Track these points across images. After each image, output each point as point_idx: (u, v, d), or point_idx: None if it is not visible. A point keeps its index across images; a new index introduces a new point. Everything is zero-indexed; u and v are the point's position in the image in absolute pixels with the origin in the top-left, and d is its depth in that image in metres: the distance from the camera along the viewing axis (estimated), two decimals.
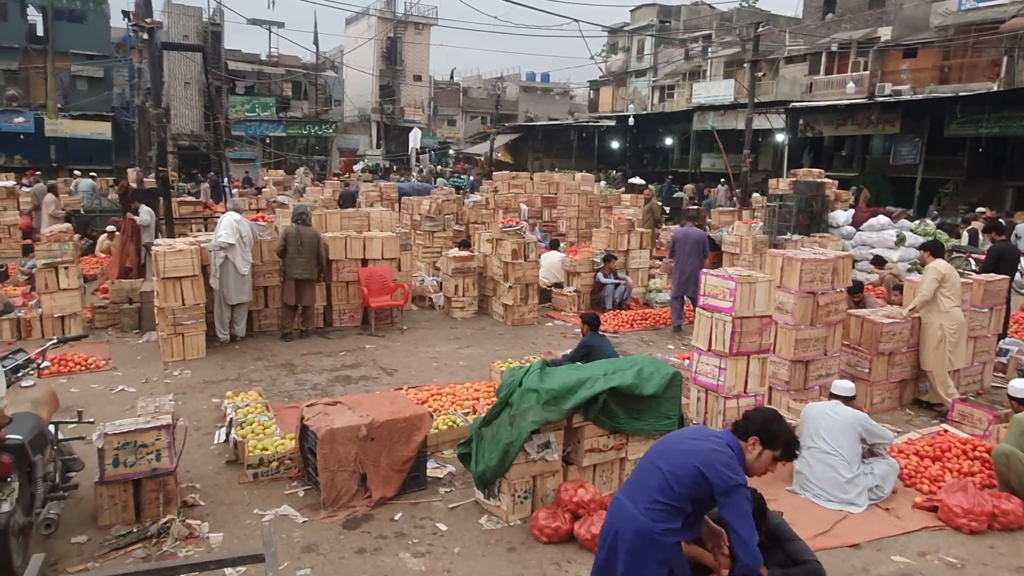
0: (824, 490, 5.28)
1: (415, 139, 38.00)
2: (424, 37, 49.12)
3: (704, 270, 6.50)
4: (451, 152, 48.20)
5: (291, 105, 42.82)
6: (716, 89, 33.60)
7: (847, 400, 5.68)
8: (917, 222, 15.67)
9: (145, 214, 12.02)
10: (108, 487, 4.60)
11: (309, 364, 8.42)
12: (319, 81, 44.21)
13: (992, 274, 8.16)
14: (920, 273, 8.58)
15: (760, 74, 25.24)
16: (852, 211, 14.86)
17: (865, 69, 28.09)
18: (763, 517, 3.76)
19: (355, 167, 39.28)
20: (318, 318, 9.95)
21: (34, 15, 35.74)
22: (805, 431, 5.51)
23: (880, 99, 26.15)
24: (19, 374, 4.71)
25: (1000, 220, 13.06)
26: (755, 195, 20.15)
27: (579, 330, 10.29)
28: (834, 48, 29.21)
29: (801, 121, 29.15)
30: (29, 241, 14.52)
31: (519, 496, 4.89)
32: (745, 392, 5.93)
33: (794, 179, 16.95)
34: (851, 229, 14.28)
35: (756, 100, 22.73)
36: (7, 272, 12.63)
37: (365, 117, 48.04)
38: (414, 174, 34.53)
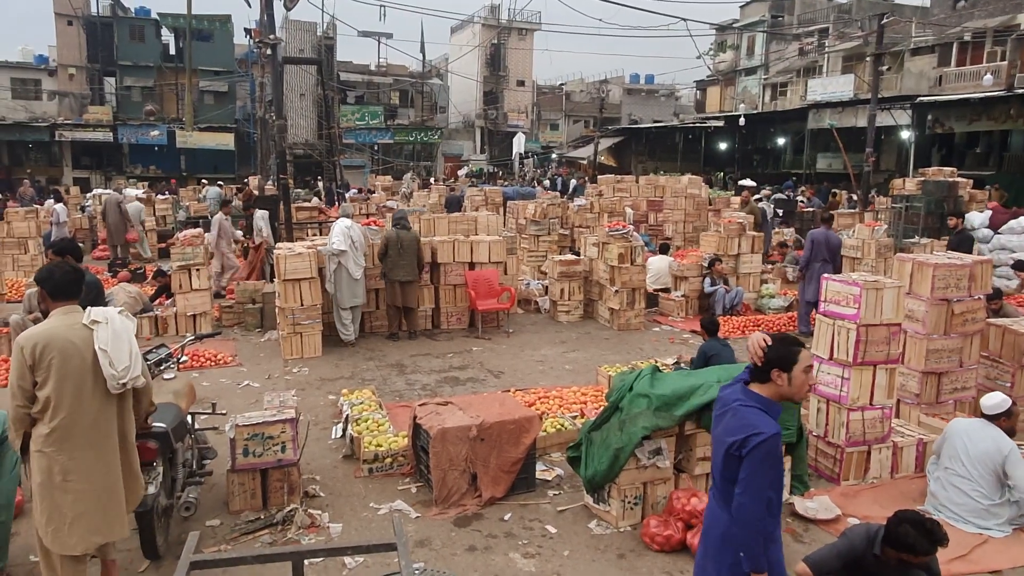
0: (959, 515, 4.90)
1: (519, 144, 38.35)
2: (527, 42, 49.49)
3: (825, 275, 6.18)
4: (554, 156, 48.30)
5: (398, 113, 44.22)
6: (833, 85, 31.98)
7: (996, 419, 4.98)
8: None
9: (259, 219, 12.70)
10: (239, 475, 4.89)
11: (418, 365, 8.64)
12: (425, 89, 45.46)
13: None
14: None
15: (884, 68, 23.79)
16: (989, 212, 13.75)
17: (1002, 59, 25.96)
18: None
19: (460, 172, 40.10)
20: (426, 320, 10.20)
21: (167, 35, 38.74)
22: (946, 449, 5.12)
23: (1021, 91, 24.08)
24: (161, 367, 5.07)
25: None
26: (875, 196, 19.04)
27: (687, 335, 10.12)
28: (966, 38, 27.16)
29: (929, 117, 27.27)
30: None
31: (629, 502, 4.82)
32: (871, 404, 5.59)
33: (922, 179, 15.89)
34: (988, 232, 13.22)
35: (879, 95, 21.46)
36: (145, 273, 13.68)
37: (469, 123, 48.94)
38: (518, 179, 34.88)
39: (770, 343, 2.90)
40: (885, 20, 20.52)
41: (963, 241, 9.82)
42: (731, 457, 2.84)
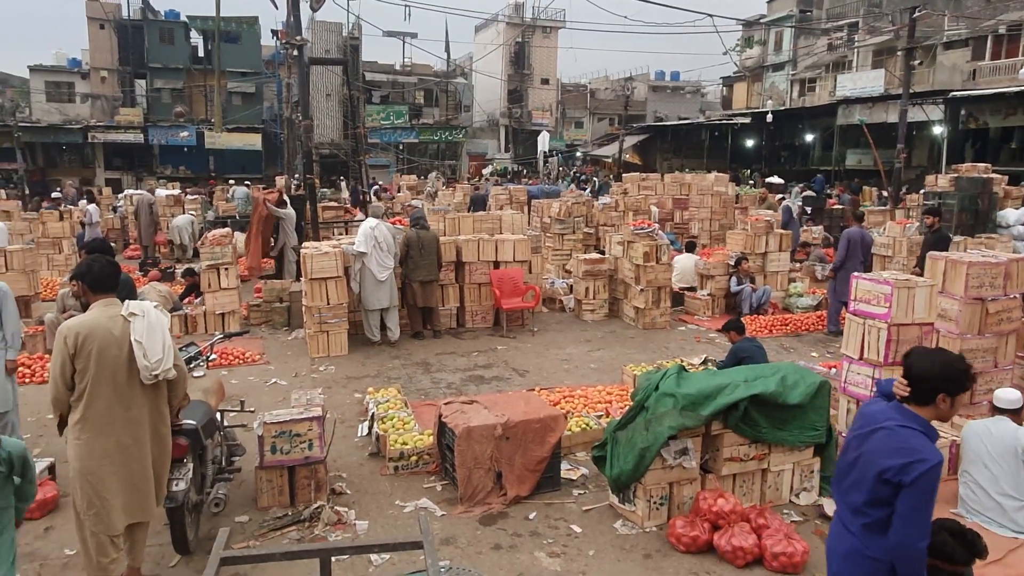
0: (991, 518, 4.79)
1: (543, 142, 38.28)
2: (552, 40, 49.36)
3: (855, 273, 6.09)
4: (578, 154, 48.16)
5: (423, 112, 44.40)
6: (863, 80, 31.46)
7: (1013, 414, 4.93)
8: None
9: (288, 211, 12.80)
10: (267, 472, 4.95)
11: (443, 363, 8.67)
12: (449, 88, 45.58)
13: None
14: None
15: (916, 62, 23.33)
16: None
17: None
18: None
19: (484, 171, 40.15)
20: (451, 319, 10.23)
21: (196, 38, 39.32)
22: (965, 453, 5.02)
23: None
24: (191, 365, 5.15)
25: None
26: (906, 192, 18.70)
27: (712, 334, 10.03)
28: (1001, 31, 26.54)
29: (963, 112, 26.70)
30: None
31: (655, 502, 4.79)
32: None
33: (955, 175, 15.56)
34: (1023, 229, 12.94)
35: (911, 90, 21.05)
36: (174, 273, 13.90)
37: (494, 122, 48.96)
38: (543, 177, 34.84)
39: (939, 363, 2.74)
40: (917, 13, 20.10)
41: (939, 241, 9.61)
42: (884, 482, 2.65)
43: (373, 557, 4.34)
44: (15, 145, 30.80)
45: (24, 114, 36.29)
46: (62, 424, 3.79)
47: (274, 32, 23.11)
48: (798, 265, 13.63)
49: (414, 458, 5.61)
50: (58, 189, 26.59)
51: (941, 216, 9.93)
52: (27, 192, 28.00)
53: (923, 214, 10.35)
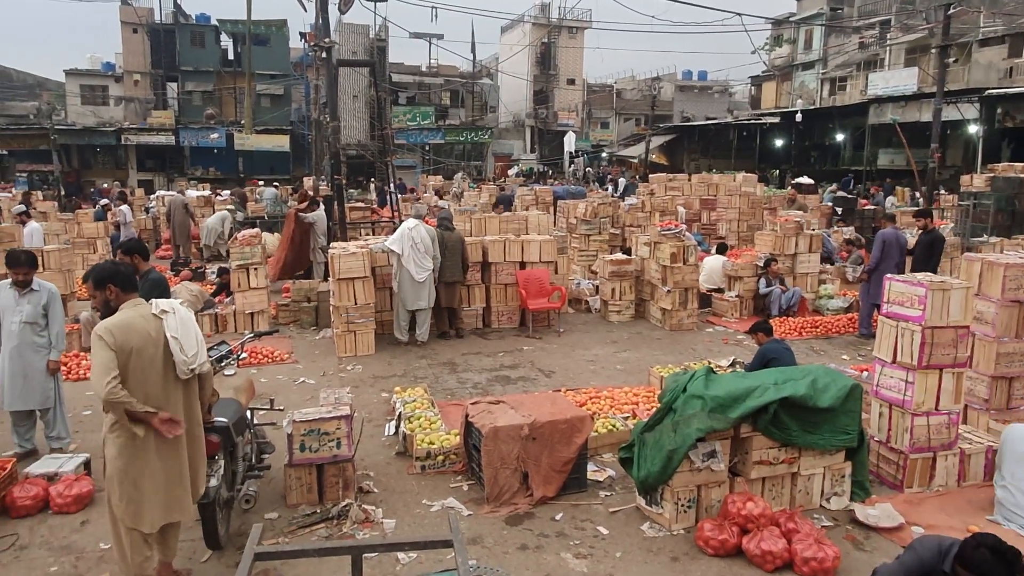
0: None
1: (569, 143, 38.20)
2: (578, 40, 49.22)
3: (888, 275, 5.98)
4: (604, 155, 47.98)
5: (449, 113, 44.57)
6: (896, 79, 30.94)
7: None
8: None
9: (319, 212, 12.93)
10: (296, 470, 5.00)
11: (469, 364, 8.69)
12: (475, 89, 45.69)
13: None
14: None
15: (950, 60, 22.88)
16: None
17: None
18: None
19: (510, 171, 40.17)
20: (477, 319, 10.25)
21: (226, 41, 39.91)
22: (1005, 456, 4.92)
23: None
24: (222, 364, 5.22)
25: None
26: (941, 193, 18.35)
27: (740, 336, 9.93)
28: None
29: (999, 110, 26.13)
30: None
31: (683, 505, 4.76)
32: (936, 409, 5.39)
33: (991, 175, 15.24)
34: None
35: (945, 88, 20.64)
36: (204, 272, 14.11)
37: (519, 122, 48.98)
38: (568, 177, 34.76)
39: None
40: (952, 10, 19.71)
41: (935, 242, 9.46)
42: None
43: (400, 555, 4.37)
44: (51, 147, 31.53)
45: (60, 117, 37.10)
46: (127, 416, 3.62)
47: (302, 35, 23.34)
48: (828, 266, 13.43)
49: (441, 457, 5.63)
50: (93, 190, 27.19)
51: (932, 217, 9.82)
52: (62, 193, 28.62)
53: (914, 216, 10.17)
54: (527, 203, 18.43)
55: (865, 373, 6.93)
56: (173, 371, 3.75)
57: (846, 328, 10.25)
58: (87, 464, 5.43)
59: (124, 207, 17.12)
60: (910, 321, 5.36)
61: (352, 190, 29.42)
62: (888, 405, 5.56)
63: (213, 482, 4.18)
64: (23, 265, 5.60)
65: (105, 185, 31.21)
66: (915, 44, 31.60)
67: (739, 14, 17.31)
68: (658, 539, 4.69)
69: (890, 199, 19.99)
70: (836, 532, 4.77)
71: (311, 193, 16.14)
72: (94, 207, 19.81)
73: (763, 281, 10.98)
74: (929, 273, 6.28)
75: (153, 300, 3.84)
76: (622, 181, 29.49)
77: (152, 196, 23.40)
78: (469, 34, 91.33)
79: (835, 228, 16.54)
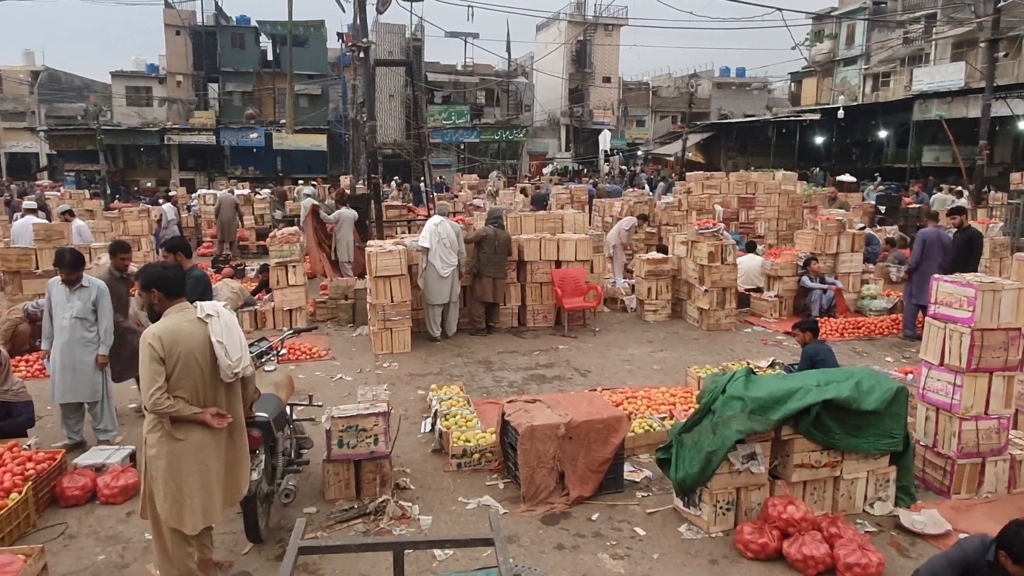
0: None
1: (604, 141, 37.97)
2: (614, 38, 48.87)
3: (935, 275, 5.82)
4: (640, 153, 47.61)
5: (484, 112, 44.65)
6: (942, 74, 30.13)
7: None
8: None
9: (345, 211, 13.01)
10: (334, 465, 5.06)
11: (505, 362, 8.70)
12: (510, 88, 45.69)
13: None
14: None
15: (1000, 54, 22.18)
16: None
17: None
18: None
19: (544, 170, 40.09)
20: (512, 318, 10.26)
21: (265, 42, 40.55)
22: None
23: None
24: (263, 360, 5.31)
25: None
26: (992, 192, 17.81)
27: (780, 336, 9.77)
28: None
29: None
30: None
31: (721, 507, 4.69)
32: (986, 413, 5.23)
33: None
34: None
35: (994, 83, 20.01)
36: (244, 269, 14.36)
37: (554, 120, 48.84)
38: (603, 176, 34.56)
39: None
40: (1002, 3, 19.10)
41: (971, 240, 9.09)
42: None
43: (437, 552, 4.38)
44: (98, 147, 32.41)
45: (106, 118, 38.10)
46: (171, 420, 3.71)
47: (340, 35, 23.61)
48: (871, 266, 13.14)
49: (477, 455, 5.65)
50: (135, 190, 27.80)
51: (966, 214, 9.50)
52: (108, 192, 29.38)
53: (948, 214, 9.83)
54: (562, 202, 18.36)
55: (910, 376, 6.76)
56: (218, 374, 3.78)
57: (889, 329, 10.01)
58: (132, 456, 5.57)
59: (166, 206, 17.50)
60: (958, 323, 5.21)
61: (387, 189, 29.64)
62: (935, 409, 5.42)
63: (255, 476, 4.23)
64: (65, 267, 5.77)
65: (149, 184, 31.97)
66: (962, 38, 30.72)
67: (780, 9, 17.05)
68: (696, 541, 4.63)
69: (937, 195, 19.42)
70: (880, 538, 4.66)
71: (347, 192, 16.33)
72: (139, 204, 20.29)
73: (806, 279, 10.78)
74: (977, 273, 6.10)
75: (197, 303, 3.87)
76: (660, 179, 29.19)
77: (194, 195, 23.87)
78: (504, 33, 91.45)
79: (878, 227, 16.19)
